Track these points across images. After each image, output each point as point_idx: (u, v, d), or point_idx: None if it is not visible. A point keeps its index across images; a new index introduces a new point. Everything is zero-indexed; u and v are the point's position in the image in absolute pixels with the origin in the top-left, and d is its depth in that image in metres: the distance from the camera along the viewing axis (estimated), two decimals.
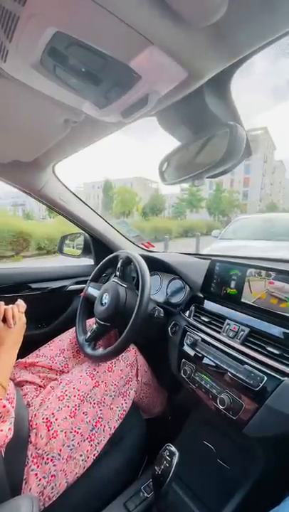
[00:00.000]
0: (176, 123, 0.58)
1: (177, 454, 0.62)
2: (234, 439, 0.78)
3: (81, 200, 1.25)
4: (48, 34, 0.33)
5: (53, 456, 0.63)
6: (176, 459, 0.61)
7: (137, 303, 0.79)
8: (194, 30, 0.33)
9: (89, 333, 0.92)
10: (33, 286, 1.24)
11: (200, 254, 1.29)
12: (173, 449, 0.63)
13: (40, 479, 0.60)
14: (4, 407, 0.55)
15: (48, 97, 0.50)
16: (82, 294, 1.06)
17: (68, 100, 0.49)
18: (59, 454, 0.63)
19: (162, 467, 0.62)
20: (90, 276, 1.09)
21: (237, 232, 4.64)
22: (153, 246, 1.55)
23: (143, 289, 0.80)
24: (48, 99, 0.51)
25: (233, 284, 0.85)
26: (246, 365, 0.66)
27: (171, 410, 1.07)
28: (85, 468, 0.68)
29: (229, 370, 0.69)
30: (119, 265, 0.98)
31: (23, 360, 0.89)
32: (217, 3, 0.29)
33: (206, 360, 0.77)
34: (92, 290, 1.04)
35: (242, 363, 0.68)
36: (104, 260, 1.07)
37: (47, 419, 0.66)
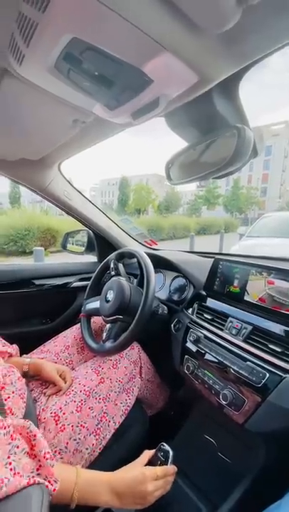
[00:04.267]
0: (184, 124, 0.59)
1: (171, 453, 0.62)
2: (235, 434, 0.80)
3: (85, 197, 1.26)
4: (64, 40, 0.34)
5: (60, 449, 0.65)
6: (170, 458, 0.62)
7: (143, 299, 0.81)
8: (207, 36, 0.34)
9: (104, 334, 0.92)
10: (37, 282, 1.26)
11: (203, 253, 1.30)
12: (167, 448, 0.63)
13: None
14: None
15: (59, 99, 0.51)
16: (81, 315, 1.03)
17: (79, 102, 0.50)
18: (66, 447, 0.65)
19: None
20: (85, 294, 1.07)
21: (264, 229, 4.47)
22: (156, 244, 1.56)
23: (148, 286, 0.82)
24: (59, 101, 0.52)
25: (236, 282, 0.86)
26: (249, 362, 0.68)
27: (173, 406, 1.10)
28: (90, 462, 0.70)
29: (232, 366, 0.70)
30: (122, 262, 1.00)
31: (29, 355, 0.90)
32: (231, 11, 0.29)
33: (208, 357, 0.78)
34: (90, 305, 1.02)
35: (244, 359, 0.69)
36: (98, 268, 1.07)
37: (55, 413, 0.68)
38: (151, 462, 0.62)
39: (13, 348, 0.81)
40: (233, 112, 0.52)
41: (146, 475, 0.56)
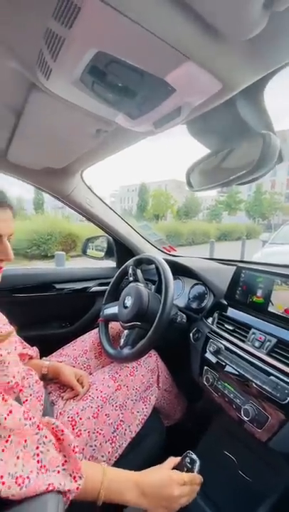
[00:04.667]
0: (206, 131, 0.58)
1: (198, 462, 0.61)
2: (257, 452, 0.76)
3: (106, 204, 1.29)
4: (89, 54, 0.35)
5: None
6: (197, 467, 0.60)
7: (161, 306, 0.80)
8: (232, 43, 0.33)
9: (122, 340, 0.92)
10: (58, 286, 1.29)
11: (223, 260, 1.27)
12: (194, 456, 0.62)
13: None
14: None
15: (83, 110, 0.52)
16: (99, 320, 1.04)
17: (102, 112, 0.52)
18: (82, 454, 0.65)
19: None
20: (104, 299, 1.08)
21: None
22: (175, 250, 1.55)
23: (166, 292, 0.81)
24: (83, 112, 0.53)
25: (259, 292, 0.83)
26: (272, 377, 0.65)
27: (191, 418, 1.06)
28: None
29: (254, 380, 0.67)
30: (140, 268, 1.00)
31: (48, 358, 0.92)
32: (257, 18, 0.29)
33: (229, 369, 0.76)
34: (109, 310, 1.03)
35: (268, 374, 0.66)
36: (117, 274, 1.07)
37: (72, 418, 0.69)
38: (176, 469, 0.61)
39: (34, 351, 0.83)
40: (258, 117, 0.50)
41: (174, 478, 0.55)
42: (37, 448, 0.44)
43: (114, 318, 0.98)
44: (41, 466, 0.42)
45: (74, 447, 0.48)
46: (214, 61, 0.36)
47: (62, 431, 0.50)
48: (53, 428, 0.50)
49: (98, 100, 0.46)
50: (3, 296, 1.16)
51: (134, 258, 1.05)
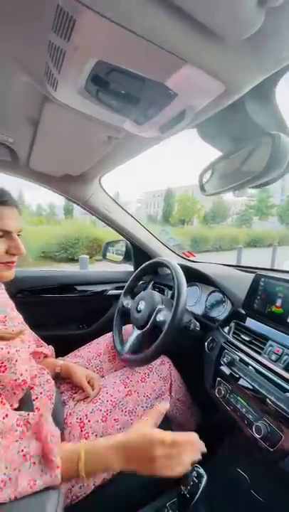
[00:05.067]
0: (216, 134, 0.57)
1: (205, 477, 0.59)
2: (271, 472, 0.70)
3: (124, 209, 1.31)
4: (90, 64, 0.36)
5: None
6: (203, 482, 0.58)
7: (172, 311, 0.79)
8: (230, 43, 0.32)
9: (129, 344, 0.93)
10: (79, 288, 1.33)
11: (244, 267, 1.22)
12: (201, 471, 0.60)
13: None
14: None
15: (93, 118, 0.54)
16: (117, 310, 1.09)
17: (110, 119, 0.53)
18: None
19: (189, 488, 0.59)
20: (124, 290, 1.12)
21: None
22: (194, 255, 1.52)
23: (178, 298, 0.80)
24: (93, 120, 0.55)
25: (279, 302, 0.78)
26: (288, 394, 0.60)
27: (205, 431, 1.02)
28: (112, 476, 0.68)
29: (269, 396, 0.63)
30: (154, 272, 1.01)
31: (63, 358, 0.95)
32: (252, 16, 0.28)
33: (243, 382, 0.71)
34: (124, 301, 1.08)
35: (284, 390, 0.61)
36: (137, 271, 1.09)
37: (80, 419, 0.69)
38: (182, 481, 0.60)
39: (49, 349, 0.85)
40: (269, 118, 0.48)
41: (154, 437, 0.51)
42: (21, 451, 0.43)
43: (127, 311, 1.03)
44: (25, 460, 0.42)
45: (49, 436, 0.46)
46: (214, 63, 0.35)
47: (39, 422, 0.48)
48: (27, 422, 0.48)
49: (105, 107, 0.47)
50: (28, 295, 1.22)
51: (147, 262, 1.05)
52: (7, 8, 0.33)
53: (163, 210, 34.63)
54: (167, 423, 0.87)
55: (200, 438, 1.03)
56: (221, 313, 1.00)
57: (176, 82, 0.38)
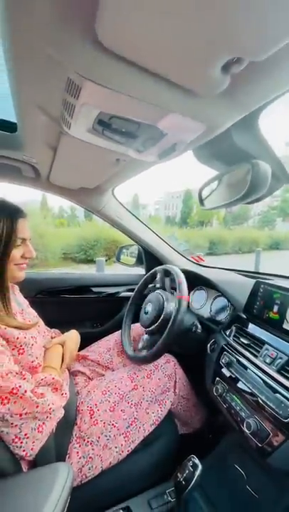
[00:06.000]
0: (210, 157, 0.64)
1: (200, 466, 0.65)
2: (265, 468, 0.75)
3: (136, 217, 1.39)
4: (94, 113, 0.45)
5: (92, 441, 0.73)
6: (198, 472, 0.64)
7: (174, 312, 0.86)
8: (204, 98, 0.39)
9: (141, 344, 1.02)
10: (94, 290, 1.44)
11: (250, 272, 1.25)
12: (197, 461, 0.66)
13: (80, 457, 0.70)
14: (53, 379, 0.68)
15: (103, 147, 0.63)
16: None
17: (116, 148, 0.61)
18: (97, 441, 0.74)
19: (184, 475, 0.66)
20: (133, 294, 1.22)
21: None
22: (203, 260, 1.57)
23: (180, 301, 0.86)
24: (103, 148, 0.64)
25: (275, 308, 0.82)
26: (278, 394, 0.65)
27: (210, 429, 1.07)
28: (118, 460, 0.76)
29: (260, 396, 0.68)
30: (158, 277, 1.08)
31: (78, 352, 1.04)
32: (219, 80, 0.35)
33: (238, 382, 0.77)
34: (135, 304, 1.19)
35: (274, 391, 0.66)
36: (139, 284, 1.19)
37: (90, 408, 0.78)
38: (179, 469, 0.67)
39: (56, 332, 0.98)
40: (254, 144, 0.54)
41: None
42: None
43: (136, 312, 1.14)
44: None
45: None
46: (193, 110, 0.42)
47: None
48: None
49: (110, 141, 0.56)
50: (47, 296, 1.34)
51: (153, 270, 1.13)
52: (36, 72, 0.42)
53: (181, 211, 34.34)
54: (171, 418, 0.94)
55: (204, 434, 1.09)
56: (224, 316, 1.05)
57: (164, 126, 0.45)
